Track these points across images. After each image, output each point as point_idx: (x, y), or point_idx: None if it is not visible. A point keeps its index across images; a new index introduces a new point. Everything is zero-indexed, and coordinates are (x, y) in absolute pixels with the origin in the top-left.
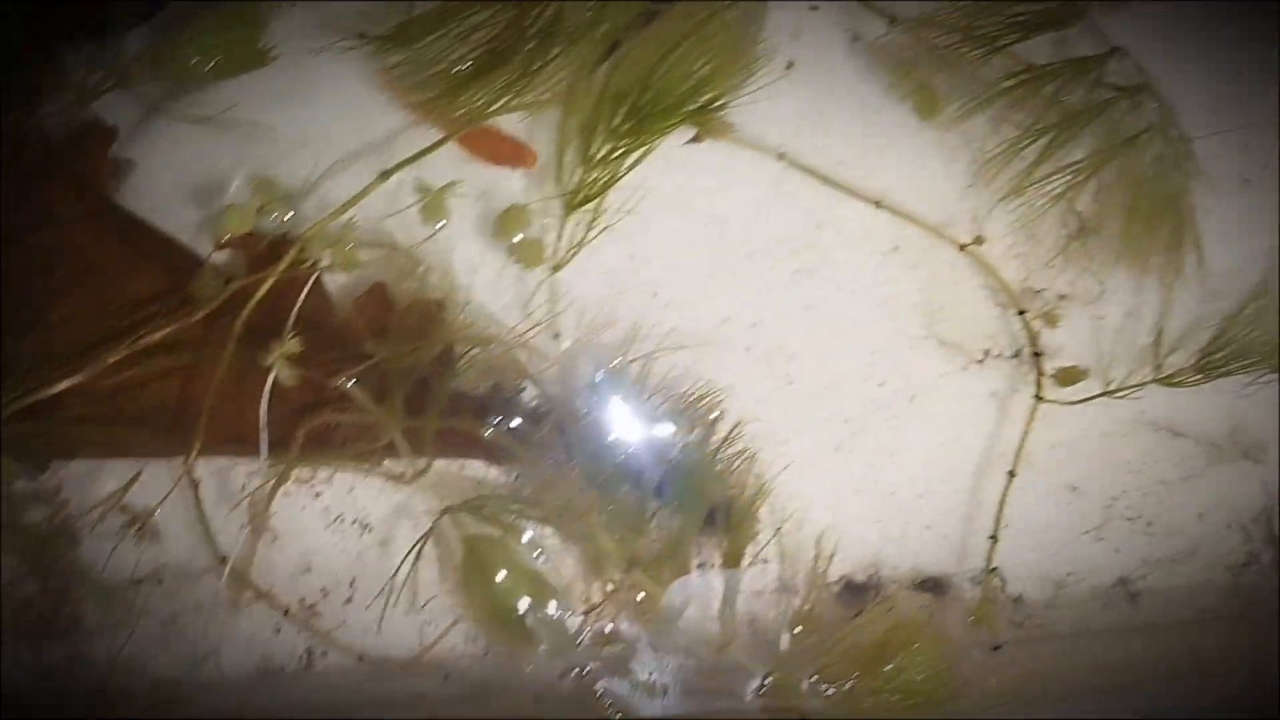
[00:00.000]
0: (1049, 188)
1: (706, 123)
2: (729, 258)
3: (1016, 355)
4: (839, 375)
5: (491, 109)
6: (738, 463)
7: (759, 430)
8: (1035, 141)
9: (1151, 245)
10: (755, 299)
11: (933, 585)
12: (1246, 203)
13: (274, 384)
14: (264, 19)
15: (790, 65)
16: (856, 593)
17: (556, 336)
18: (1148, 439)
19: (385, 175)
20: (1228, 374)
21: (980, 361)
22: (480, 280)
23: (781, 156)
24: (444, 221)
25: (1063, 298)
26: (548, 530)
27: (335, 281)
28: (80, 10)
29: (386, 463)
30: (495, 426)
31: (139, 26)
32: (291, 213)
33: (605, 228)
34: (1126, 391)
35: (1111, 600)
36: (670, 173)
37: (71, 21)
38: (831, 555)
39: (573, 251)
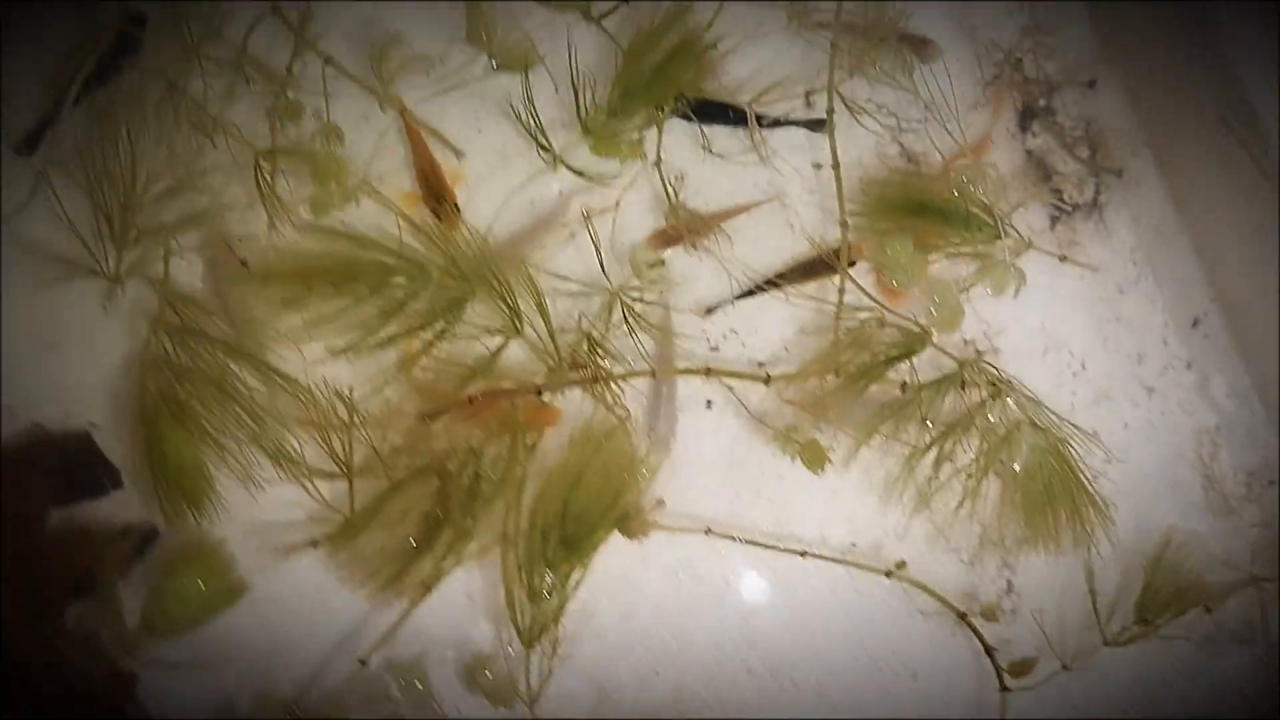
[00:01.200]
0: (950, 494)
1: (632, 525)
2: (708, 594)
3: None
4: (837, 668)
5: (440, 571)
6: None
7: None
8: (923, 457)
9: (1057, 523)
10: (743, 622)
11: None
12: (1151, 411)
13: None
14: (227, 555)
15: (709, 405)
16: None
17: None
18: (1139, 649)
19: (362, 663)
20: (1172, 618)
21: (963, 618)
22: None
23: (708, 531)
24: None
25: (1005, 590)
26: None
27: None
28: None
29: None
30: None
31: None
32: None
33: (568, 653)
34: (1081, 666)
35: None
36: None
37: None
38: None
39: (543, 682)
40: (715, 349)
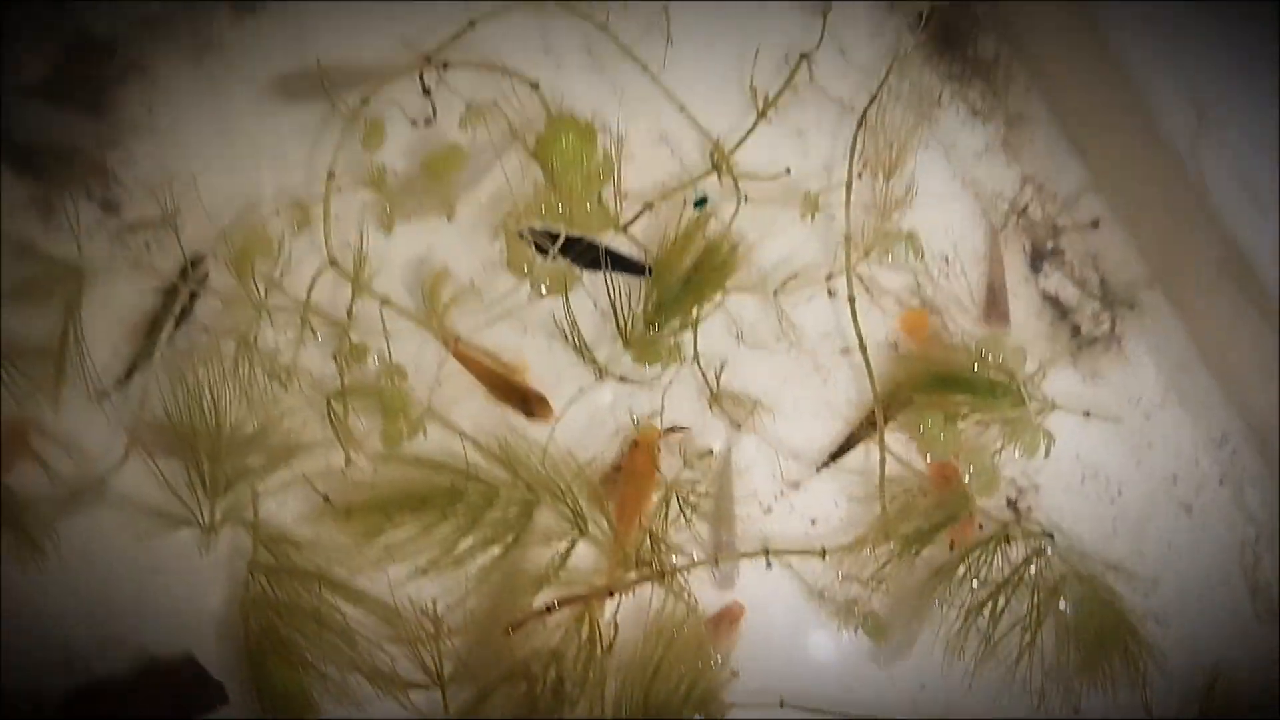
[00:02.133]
0: (1007, 649)
1: (711, 709)
2: None
3: None
4: None
5: None
6: None
7: None
8: (976, 617)
9: (1112, 665)
10: None
11: None
12: (1193, 529)
13: None
14: None
15: (769, 565)
16: None
17: None
18: None
19: None
20: None
21: None
22: None
23: (782, 703)
24: None
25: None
26: None
27: None
28: None
29: None
30: None
31: None
32: None
33: None
34: None
35: None
36: None
37: None
38: None
39: None
40: (769, 510)
